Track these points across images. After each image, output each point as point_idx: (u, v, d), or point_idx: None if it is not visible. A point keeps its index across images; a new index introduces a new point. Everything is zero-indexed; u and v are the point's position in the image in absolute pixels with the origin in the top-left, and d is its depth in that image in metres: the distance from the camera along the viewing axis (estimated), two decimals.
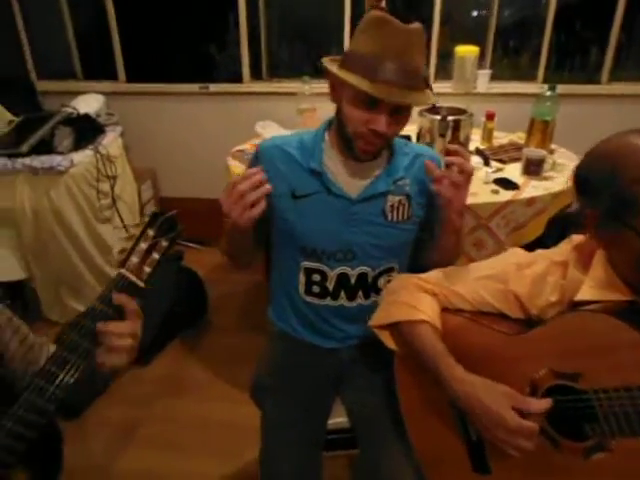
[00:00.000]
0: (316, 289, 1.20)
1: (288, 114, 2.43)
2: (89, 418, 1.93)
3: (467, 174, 1.01)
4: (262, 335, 1.38)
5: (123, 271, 0.86)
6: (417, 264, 1.24)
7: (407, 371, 1.05)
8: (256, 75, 2.95)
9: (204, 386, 2.10)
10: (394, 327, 1.04)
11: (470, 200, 1.58)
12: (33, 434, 0.75)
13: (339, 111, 1.08)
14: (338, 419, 1.22)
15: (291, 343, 1.28)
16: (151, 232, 0.93)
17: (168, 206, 2.84)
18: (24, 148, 2.11)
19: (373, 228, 1.13)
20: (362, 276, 1.19)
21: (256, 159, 1.17)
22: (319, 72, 2.42)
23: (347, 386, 1.24)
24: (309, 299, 1.22)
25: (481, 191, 1.69)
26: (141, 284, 0.88)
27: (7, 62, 2.79)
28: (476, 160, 1.95)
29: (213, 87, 2.90)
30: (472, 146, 2.07)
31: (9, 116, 2.40)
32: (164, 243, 0.94)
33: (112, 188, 2.44)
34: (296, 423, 1.14)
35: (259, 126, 2.32)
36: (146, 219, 0.93)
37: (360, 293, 1.20)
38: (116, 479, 1.72)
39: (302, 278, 1.20)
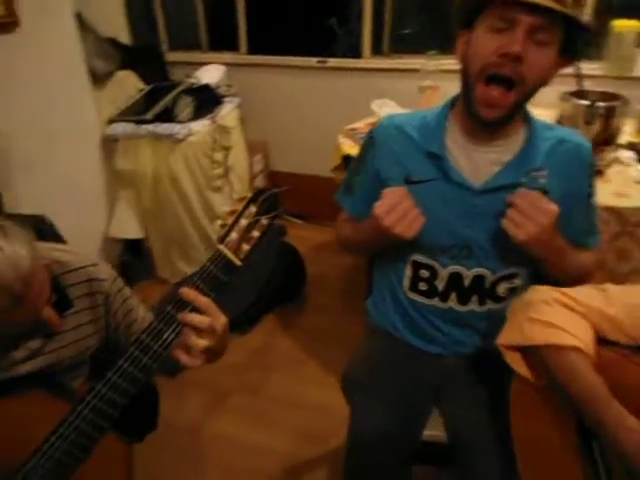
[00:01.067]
0: (423, 286, 1.09)
1: (408, 92, 2.28)
2: (186, 379, 2.02)
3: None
4: (358, 321, 1.30)
5: (221, 248, 0.83)
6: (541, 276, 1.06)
7: (529, 401, 0.90)
8: (377, 50, 2.81)
9: (295, 364, 2.10)
10: (530, 350, 0.88)
11: (618, 201, 1.36)
12: (124, 401, 0.75)
13: (465, 69, 0.93)
14: (433, 432, 1.11)
15: (389, 341, 1.18)
16: (253, 209, 0.89)
17: (276, 180, 2.88)
18: (149, 115, 2.21)
19: (497, 225, 0.97)
20: (478, 279, 1.05)
21: (370, 138, 1.08)
22: (445, 47, 2.23)
23: (448, 398, 1.12)
24: (413, 296, 1.11)
25: (633, 192, 1.42)
26: (238, 262, 0.84)
27: (143, 34, 2.95)
28: (627, 155, 1.66)
29: (331, 61, 2.82)
30: (623, 139, 1.77)
31: (140, 84, 2.54)
32: (264, 221, 0.90)
33: (225, 158, 2.49)
34: (386, 427, 1.05)
35: (375, 104, 2.20)
36: (249, 194, 0.89)
37: (474, 298, 1.07)
38: (204, 441, 1.78)
39: (408, 272, 1.10)
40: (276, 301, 2.42)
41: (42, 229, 1.00)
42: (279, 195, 0.93)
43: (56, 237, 1.04)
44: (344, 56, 2.84)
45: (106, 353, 0.90)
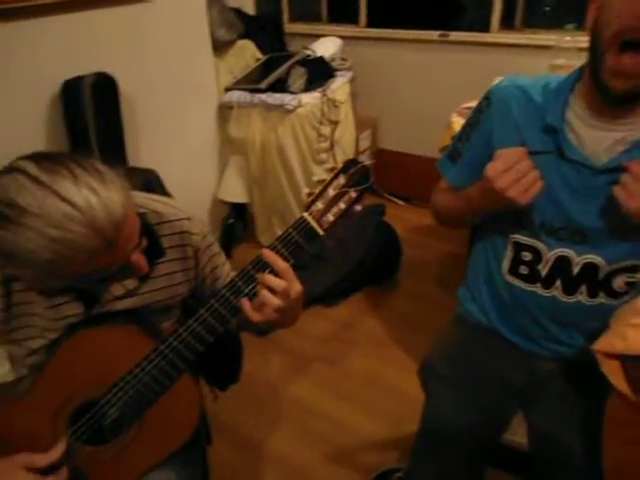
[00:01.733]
0: (524, 270, 0.99)
1: (536, 71, 2.09)
2: (272, 340, 2.12)
3: None
4: (449, 312, 1.25)
5: (305, 215, 0.84)
6: None
7: (626, 422, 0.81)
8: (507, 24, 2.61)
9: (378, 344, 2.10)
10: (632, 360, 0.79)
11: None
12: (201, 347, 0.80)
13: (595, 37, 0.83)
14: (513, 437, 1.04)
15: (477, 330, 1.10)
16: (342, 180, 0.88)
17: (383, 158, 2.82)
18: (263, 85, 2.29)
19: (617, 209, 0.85)
20: (590, 267, 0.93)
21: (486, 99, 0.99)
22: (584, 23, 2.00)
23: (537, 405, 1.02)
24: (512, 280, 1.01)
25: None
26: (321, 232, 0.85)
27: (266, 4, 3.04)
28: None
29: (454, 35, 2.68)
30: None
31: (258, 54, 2.63)
32: (352, 194, 0.89)
33: (332, 132, 2.50)
34: (459, 423, 1.01)
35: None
36: (340, 165, 0.89)
37: (583, 288, 0.95)
38: (283, 401, 1.86)
39: (509, 253, 1.01)
40: (367, 280, 2.42)
41: (151, 181, 1.09)
42: (370, 168, 0.91)
43: (163, 191, 1.13)
44: (470, 29, 2.68)
45: (195, 301, 0.96)
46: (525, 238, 0.97)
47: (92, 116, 1.54)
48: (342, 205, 0.88)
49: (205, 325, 0.79)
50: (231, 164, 2.50)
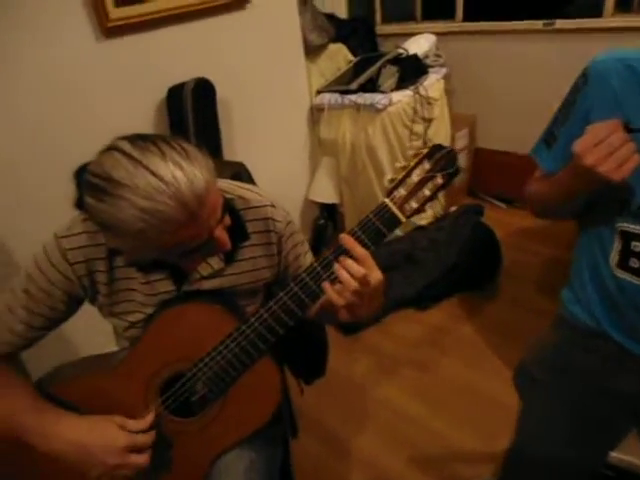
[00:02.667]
0: (635, 263, 0.89)
1: None
2: (360, 340, 2.12)
3: None
4: (548, 321, 1.16)
5: (387, 201, 0.83)
6: None
7: None
8: (623, 7, 2.40)
9: (473, 352, 2.01)
10: None
11: None
12: (281, 330, 0.83)
13: None
14: (625, 456, 0.94)
15: (581, 333, 1.00)
16: (427, 165, 0.86)
17: (481, 158, 2.70)
18: (354, 85, 2.32)
19: None
20: None
21: (583, 76, 0.91)
22: None
23: None
24: (622, 275, 0.91)
25: None
26: (403, 218, 0.83)
27: (358, 7, 3.07)
28: None
29: (560, 23, 2.51)
30: None
31: (350, 57, 2.67)
32: (439, 180, 0.86)
33: (425, 131, 2.46)
34: (559, 438, 0.93)
35: None
36: (425, 150, 0.87)
37: None
38: (369, 401, 1.85)
39: (617, 244, 0.91)
40: (463, 285, 2.33)
41: (240, 173, 1.15)
42: (456, 153, 0.88)
43: (251, 182, 1.18)
44: (579, 16, 2.50)
45: (279, 289, 0.99)
46: (633, 226, 0.87)
47: (192, 119, 1.66)
48: (427, 192, 0.86)
49: (285, 308, 0.81)
50: (322, 165, 2.55)
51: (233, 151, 2.06)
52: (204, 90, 1.73)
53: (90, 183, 0.69)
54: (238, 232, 0.88)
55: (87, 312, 0.94)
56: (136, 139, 0.71)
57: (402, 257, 2.35)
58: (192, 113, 1.66)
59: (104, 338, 1.08)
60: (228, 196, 0.89)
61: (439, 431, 1.68)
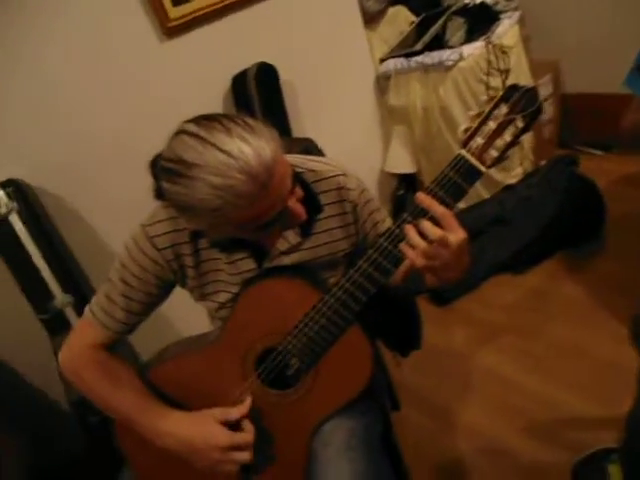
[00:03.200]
0: None
1: None
2: (455, 310, 2.06)
3: None
4: None
5: (463, 153, 0.79)
6: None
7: None
8: None
9: (579, 312, 1.87)
10: None
11: None
12: (364, 297, 0.81)
13: None
14: None
15: None
16: (504, 109, 0.80)
17: (570, 104, 2.49)
18: (418, 46, 2.21)
19: None
20: None
21: None
22: None
23: None
24: None
25: None
26: (483, 168, 0.79)
27: None
28: None
29: None
30: None
31: (412, 17, 2.55)
32: (520, 123, 0.80)
33: (503, 83, 2.29)
34: None
35: None
36: (500, 93, 0.81)
37: None
38: (472, 371, 1.79)
39: None
40: (564, 242, 2.16)
41: (309, 149, 1.15)
42: (536, 90, 0.81)
43: (321, 156, 1.17)
44: None
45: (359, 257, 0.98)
46: None
47: (258, 104, 1.68)
48: (507, 137, 0.81)
49: (366, 275, 0.80)
50: (395, 135, 2.48)
51: (302, 130, 2.07)
52: (266, 74, 1.74)
53: (164, 168, 0.72)
54: (312, 205, 0.88)
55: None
56: (201, 120, 0.73)
57: (492, 220, 2.23)
58: (257, 98, 1.68)
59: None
60: (298, 170, 0.89)
61: (550, 398, 1.59)
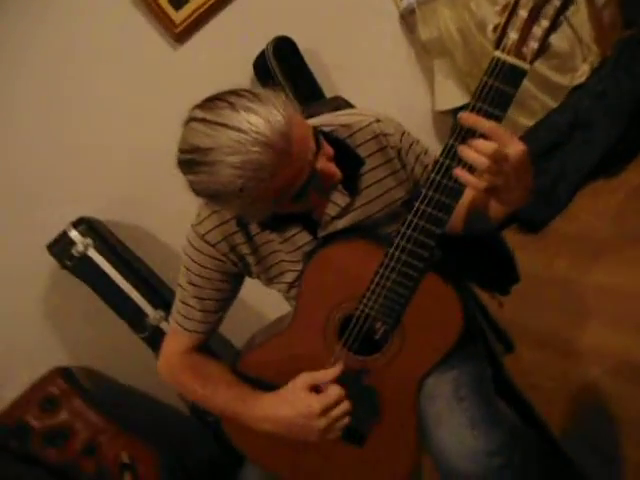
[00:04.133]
0: None
1: None
2: (551, 234, 1.92)
3: None
4: None
5: (497, 54, 0.72)
6: None
7: None
8: None
9: None
10: None
11: None
12: (430, 241, 0.77)
13: None
14: None
15: None
16: None
17: None
18: None
19: None
20: None
21: None
22: None
23: None
24: None
25: None
26: (525, 66, 0.71)
27: None
28: None
29: None
30: None
31: None
32: (556, 1, 0.71)
33: None
34: None
35: None
36: None
37: None
38: (583, 293, 1.66)
39: None
40: None
41: (339, 106, 1.11)
42: None
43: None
44: None
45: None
46: None
47: (284, 79, 1.65)
48: (544, 22, 0.72)
49: (426, 217, 0.75)
50: (436, 70, 2.33)
51: (338, 92, 2.00)
52: (284, 47, 1.71)
53: (183, 161, 0.72)
54: (352, 160, 0.84)
55: None
56: (206, 102, 0.72)
57: (567, 128, 2.04)
58: (281, 74, 1.65)
59: None
60: (328, 129, 0.86)
61: None
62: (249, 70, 1.77)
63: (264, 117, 0.67)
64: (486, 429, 0.82)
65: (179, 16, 1.57)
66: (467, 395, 0.86)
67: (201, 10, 1.61)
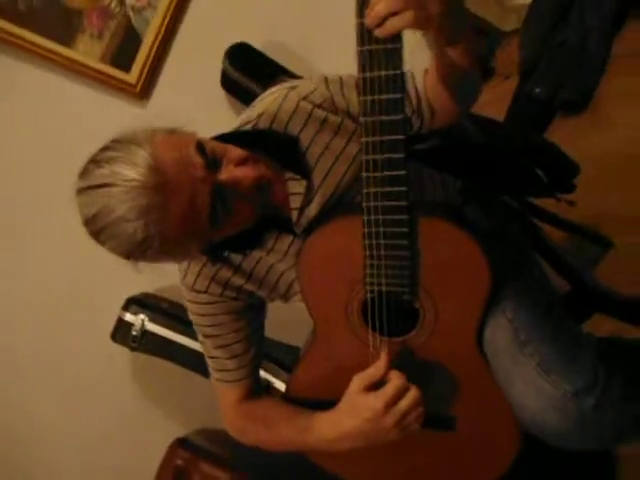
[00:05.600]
0: None
1: None
2: (600, 105, 1.65)
3: None
4: None
5: None
6: None
7: None
8: None
9: None
10: None
11: None
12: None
13: None
14: None
15: None
16: None
17: None
18: None
19: None
20: None
21: None
22: None
23: None
24: None
25: None
26: None
27: None
28: None
29: None
30: None
31: None
32: None
33: None
34: None
35: None
36: None
37: None
38: None
39: None
40: None
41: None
42: None
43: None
44: None
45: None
46: None
47: (256, 84, 1.58)
48: None
49: (378, 148, 0.64)
50: None
51: (318, 70, 1.88)
52: (238, 53, 1.63)
53: (91, 235, 0.69)
54: (283, 144, 0.77)
55: None
56: (81, 171, 0.69)
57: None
58: (249, 81, 1.58)
59: None
60: (249, 126, 0.80)
61: None
62: (221, 92, 1.73)
63: (127, 161, 0.64)
64: (563, 369, 0.69)
65: (133, 76, 1.57)
66: (529, 337, 0.73)
67: (151, 60, 1.59)
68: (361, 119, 0.64)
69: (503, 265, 0.76)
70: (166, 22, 1.59)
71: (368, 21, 0.57)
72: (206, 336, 0.88)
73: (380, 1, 0.55)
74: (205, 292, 0.85)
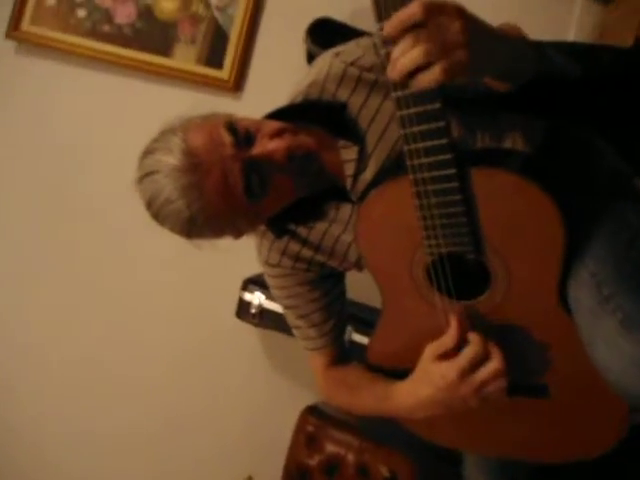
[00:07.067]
0: None
1: None
2: None
3: None
4: None
5: None
6: None
7: None
8: None
9: None
10: None
11: None
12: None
13: None
14: None
15: None
16: None
17: None
18: None
19: None
20: None
21: None
22: None
23: None
24: None
25: None
26: None
27: None
28: None
29: None
30: None
31: None
32: None
33: None
34: None
35: None
36: None
37: None
38: None
39: None
40: None
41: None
42: None
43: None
44: None
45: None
46: None
47: None
48: None
49: (415, 122, 0.61)
50: None
51: None
52: (321, 31, 1.62)
53: (154, 219, 0.76)
54: (336, 112, 0.77)
55: None
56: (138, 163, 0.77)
57: None
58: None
59: None
60: (299, 99, 0.81)
61: None
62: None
63: (164, 148, 0.70)
64: None
65: (225, 71, 1.66)
66: (612, 292, 0.64)
67: (240, 53, 1.67)
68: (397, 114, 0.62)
69: (585, 213, 0.67)
70: (248, 13, 1.66)
71: (393, 75, 0.54)
72: (286, 307, 0.93)
73: (400, 55, 0.52)
74: (278, 265, 0.89)
